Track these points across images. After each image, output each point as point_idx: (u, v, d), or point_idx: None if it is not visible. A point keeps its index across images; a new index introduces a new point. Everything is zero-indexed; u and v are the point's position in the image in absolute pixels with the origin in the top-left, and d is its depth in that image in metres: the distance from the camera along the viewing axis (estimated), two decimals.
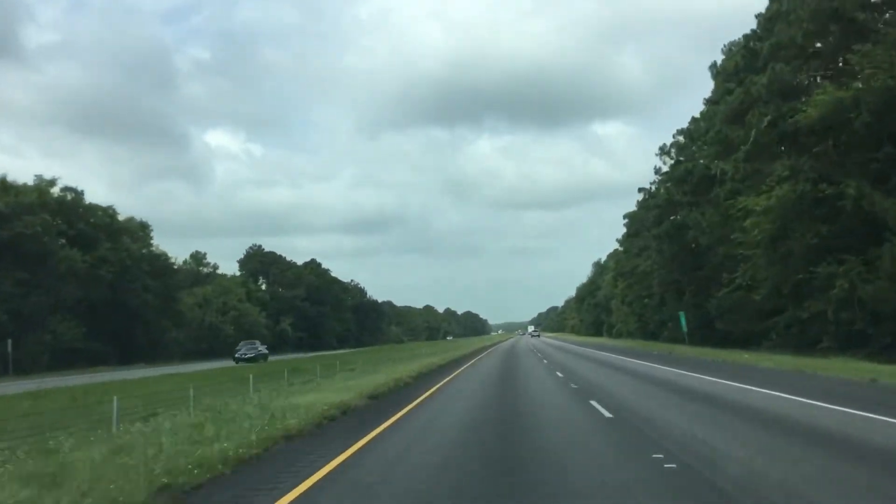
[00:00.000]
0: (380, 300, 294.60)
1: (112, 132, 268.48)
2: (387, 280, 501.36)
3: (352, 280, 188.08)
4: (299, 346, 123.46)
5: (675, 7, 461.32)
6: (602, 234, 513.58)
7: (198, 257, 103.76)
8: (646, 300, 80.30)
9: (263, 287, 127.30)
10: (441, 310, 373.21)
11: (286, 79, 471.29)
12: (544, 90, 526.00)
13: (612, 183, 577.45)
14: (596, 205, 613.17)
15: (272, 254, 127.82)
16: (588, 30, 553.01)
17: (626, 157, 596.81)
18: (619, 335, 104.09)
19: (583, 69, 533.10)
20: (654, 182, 73.59)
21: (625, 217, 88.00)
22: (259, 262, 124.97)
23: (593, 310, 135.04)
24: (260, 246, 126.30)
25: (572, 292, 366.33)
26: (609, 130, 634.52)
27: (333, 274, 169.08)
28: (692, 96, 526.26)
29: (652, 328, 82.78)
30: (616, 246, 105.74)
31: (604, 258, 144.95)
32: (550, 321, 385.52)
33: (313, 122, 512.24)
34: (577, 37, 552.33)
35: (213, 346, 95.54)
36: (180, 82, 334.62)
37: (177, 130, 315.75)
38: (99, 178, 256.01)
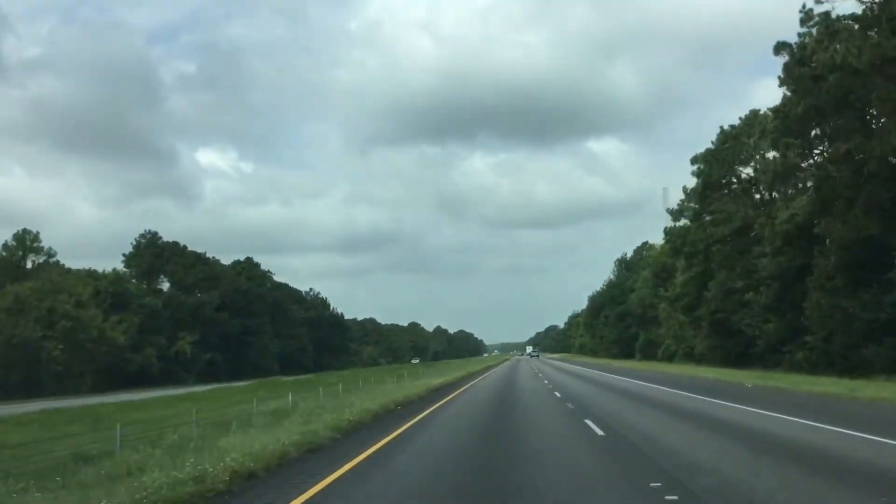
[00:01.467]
0: (368, 317, 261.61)
1: (98, 148, 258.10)
2: (379, 299, 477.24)
3: (310, 289, 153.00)
4: (209, 374, 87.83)
5: (671, 21, 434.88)
6: (598, 255, 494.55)
7: (23, 238, 68.23)
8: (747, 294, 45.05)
9: (166, 289, 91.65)
10: (430, 328, 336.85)
11: (273, 93, 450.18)
12: (538, 105, 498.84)
13: (609, 201, 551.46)
14: (593, 224, 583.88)
15: (174, 245, 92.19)
16: (582, 43, 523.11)
17: (622, 175, 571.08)
18: (672, 356, 68.83)
19: (577, 83, 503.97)
20: None
21: (693, 162, 53.07)
22: (153, 255, 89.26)
23: (619, 322, 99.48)
24: (156, 233, 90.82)
25: (569, 312, 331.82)
26: (605, 147, 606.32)
27: (285, 281, 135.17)
28: (690, 112, 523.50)
29: (747, 346, 47.69)
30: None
31: (607, 272, 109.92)
32: (550, 341, 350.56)
33: (303, 138, 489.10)
34: (570, 50, 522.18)
35: (33, 375, 60.75)
36: (167, 97, 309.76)
37: (164, 146, 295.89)
38: (85, 196, 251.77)
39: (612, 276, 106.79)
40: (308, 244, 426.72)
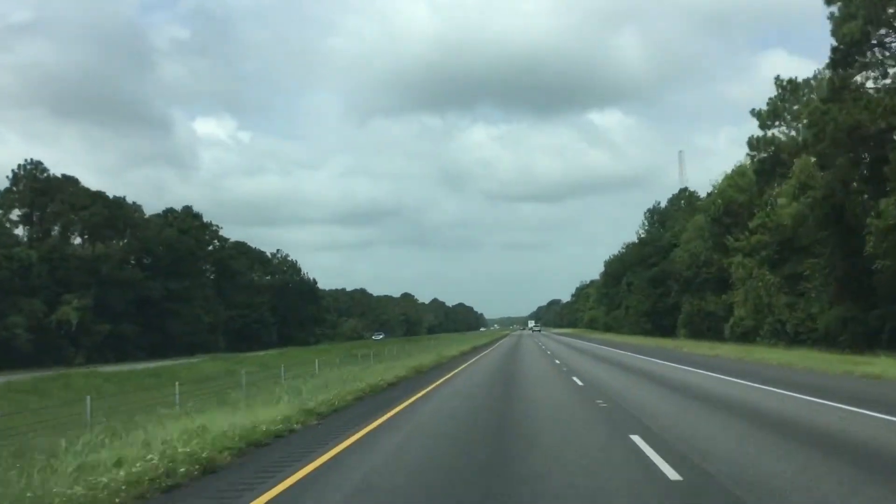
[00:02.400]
0: (358, 287, 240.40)
1: (94, 115, 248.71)
2: (380, 271, 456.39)
3: (277, 251, 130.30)
4: (115, 350, 65.92)
5: None
6: (601, 229, 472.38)
7: None
8: None
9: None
10: (429, 301, 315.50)
11: (269, 61, 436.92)
12: (540, 75, 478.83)
13: (612, 174, 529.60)
14: (596, 198, 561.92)
15: (64, 180, 69.21)
16: (585, 11, 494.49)
17: (626, 148, 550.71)
18: (745, 335, 46.35)
19: (580, 53, 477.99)
20: None
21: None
22: (35, 192, 66.41)
23: (652, 289, 77.02)
24: (39, 163, 67.77)
25: (571, 286, 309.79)
26: (609, 119, 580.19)
27: (241, 240, 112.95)
28: (695, 83, 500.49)
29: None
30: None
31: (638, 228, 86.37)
32: (553, 315, 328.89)
33: (300, 108, 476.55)
34: (573, 19, 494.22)
35: None
36: (160, 63, 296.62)
37: (159, 114, 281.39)
38: (83, 163, 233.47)
39: (640, 232, 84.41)
40: (306, 216, 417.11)
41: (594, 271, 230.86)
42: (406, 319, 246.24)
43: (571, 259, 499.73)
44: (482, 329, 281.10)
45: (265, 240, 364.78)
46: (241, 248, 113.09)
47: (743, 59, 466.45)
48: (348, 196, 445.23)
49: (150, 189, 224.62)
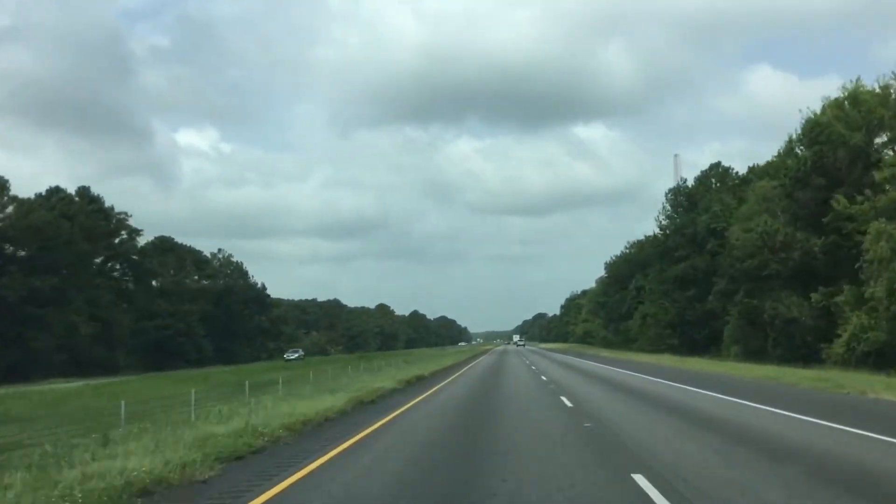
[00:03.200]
0: (332, 298, 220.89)
1: (73, 124, 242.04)
2: (364, 284, 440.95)
3: (219, 250, 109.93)
4: None
5: (665, 1, 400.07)
6: (587, 244, 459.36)
7: None
8: None
9: None
10: (406, 313, 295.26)
11: (251, 69, 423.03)
12: (526, 87, 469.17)
13: (598, 189, 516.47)
14: (582, 212, 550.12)
15: None
16: (573, 23, 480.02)
17: (612, 162, 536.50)
18: (863, 357, 27.42)
19: (567, 65, 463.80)
20: None
21: None
22: None
23: (679, 291, 57.86)
24: None
25: (558, 301, 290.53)
26: (595, 133, 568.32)
27: (169, 235, 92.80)
28: (682, 97, 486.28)
29: None
30: None
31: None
32: (539, 329, 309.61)
33: (282, 117, 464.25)
34: (560, 30, 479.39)
35: None
36: (140, 71, 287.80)
37: (138, 124, 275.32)
38: (58, 173, 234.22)
39: (661, 219, 65.06)
40: (290, 228, 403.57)
41: (581, 285, 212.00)
42: (381, 332, 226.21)
43: (557, 273, 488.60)
44: (461, 344, 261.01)
45: (244, 251, 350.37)
46: (166, 244, 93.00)
47: (730, 74, 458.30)
48: (331, 208, 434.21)
49: (131, 199, 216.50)
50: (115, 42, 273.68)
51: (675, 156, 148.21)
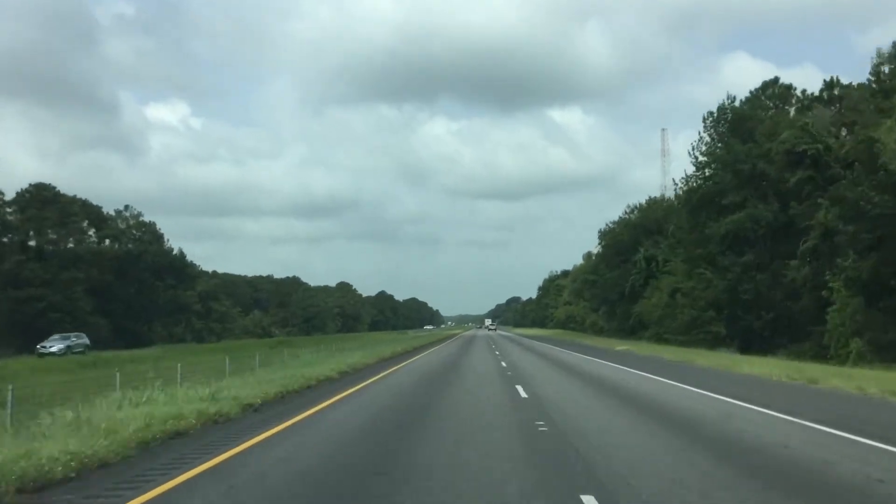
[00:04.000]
0: (291, 275, 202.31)
1: (35, 95, 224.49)
2: (337, 266, 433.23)
3: (126, 207, 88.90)
4: None
5: None
6: (561, 229, 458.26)
7: None
8: None
9: None
10: (372, 293, 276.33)
11: (220, 43, 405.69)
12: (502, 68, 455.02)
13: (573, 174, 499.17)
14: (557, 197, 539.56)
15: None
16: (549, 4, 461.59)
17: (587, 147, 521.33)
18: None
19: (543, 47, 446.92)
20: None
21: None
22: None
23: (735, 256, 39.04)
24: None
25: (532, 285, 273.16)
26: (571, 117, 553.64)
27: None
28: (660, 81, 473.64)
29: None
30: None
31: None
32: (513, 313, 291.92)
33: (252, 92, 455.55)
34: (536, 11, 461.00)
35: None
36: (104, 41, 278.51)
37: (105, 97, 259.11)
38: (24, 146, 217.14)
39: (697, 156, 45.34)
40: (262, 207, 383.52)
41: (560, 266, 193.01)
42: (341, 313, 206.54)
43: (532, 258, 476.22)
44: (427, 327, 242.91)
45: (216, 230, 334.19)
46: (45, 194, 72.13)
47: (709, 59, 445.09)
48: (303, 188, 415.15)
49: (96, 174, 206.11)
50: (80, 12, 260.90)
51: (663, 130, 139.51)
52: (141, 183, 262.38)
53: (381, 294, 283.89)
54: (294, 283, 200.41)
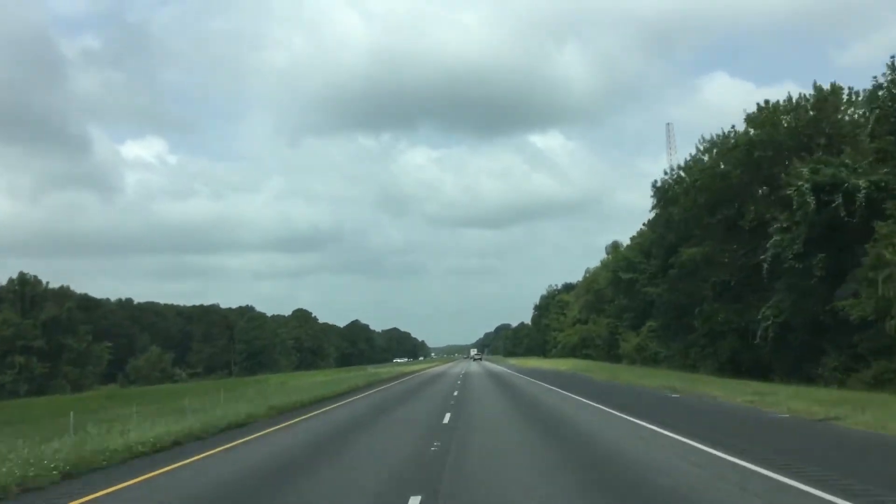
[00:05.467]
0: (246, 304, 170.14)
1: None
2: (321, 299, 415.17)
3: None
4: None
5: (621, 5, 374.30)
6: (546, 254, 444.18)
7: None
8: None
9: None
10: (341, 324, 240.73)
11: (191, 73, 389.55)
12: (479, 93, 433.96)
13: (556, 199, 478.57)
14: (540, 223, 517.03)
15: None
16: (525, 25, 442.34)
17: (569, 172, 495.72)
18: None
19: (521, 70, 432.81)
20: None
21: None
22: None
23: None
24: None
25: (520, 313, 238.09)
26: (552, 142, 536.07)
27: None
28: (640, 103, 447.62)
29: None
30: None
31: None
32: (504, 341, 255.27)
33: (226, 123, 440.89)
34: (511, 34, 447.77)
35: None
36: (72, 76, 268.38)
37: (76, 133, 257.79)
38: None
39: None
40: (241, 242, 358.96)
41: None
42: (297, 347, 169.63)
43: (518, 285, 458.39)
44: (398, 360, 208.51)
45: (198, 267, 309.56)
46: None
47: (688, 79, 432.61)
48: (284, 221, 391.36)
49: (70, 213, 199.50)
50: (46, 46, 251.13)
51: (668, 124, 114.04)
52: (116, 219, 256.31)
53: (354, 324, 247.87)
54: (248, 309, 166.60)
